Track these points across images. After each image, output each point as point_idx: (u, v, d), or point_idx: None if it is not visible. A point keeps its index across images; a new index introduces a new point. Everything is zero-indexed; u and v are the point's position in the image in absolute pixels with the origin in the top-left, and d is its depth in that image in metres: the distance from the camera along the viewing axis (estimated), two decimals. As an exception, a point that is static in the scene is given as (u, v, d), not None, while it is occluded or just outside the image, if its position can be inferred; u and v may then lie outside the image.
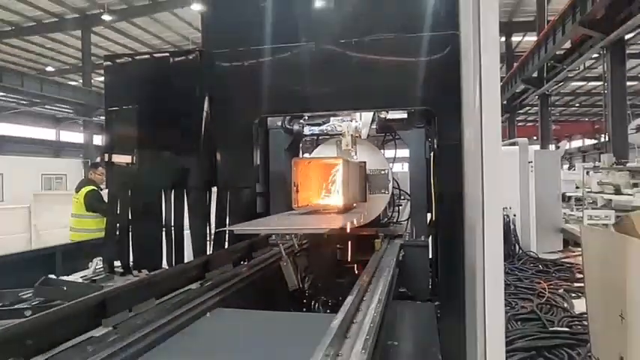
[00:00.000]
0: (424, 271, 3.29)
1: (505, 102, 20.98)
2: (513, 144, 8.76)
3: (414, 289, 3.16)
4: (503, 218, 5.87)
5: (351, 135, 3.54)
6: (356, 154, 3.67)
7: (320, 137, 4.07)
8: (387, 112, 3.70)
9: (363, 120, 3.58)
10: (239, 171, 3.31)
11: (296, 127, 3.77)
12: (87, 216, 5.09)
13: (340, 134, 3.61)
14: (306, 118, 3.74)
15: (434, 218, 3.33)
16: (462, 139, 2.75)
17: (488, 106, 2.65)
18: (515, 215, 8.33)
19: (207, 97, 3.18)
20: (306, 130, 3.77)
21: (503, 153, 2.90)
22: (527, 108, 25.71)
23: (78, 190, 5.35)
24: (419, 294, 3.15)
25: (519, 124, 28.39)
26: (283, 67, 3.08)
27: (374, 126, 3.68)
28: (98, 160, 9.33)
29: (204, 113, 3.18)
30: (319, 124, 3.71)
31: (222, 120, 3.22)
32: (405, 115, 3.72)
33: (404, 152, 3.91)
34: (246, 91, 3.19)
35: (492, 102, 2.64)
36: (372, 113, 3.56)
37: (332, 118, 3.64)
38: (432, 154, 3.35)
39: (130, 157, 3.29)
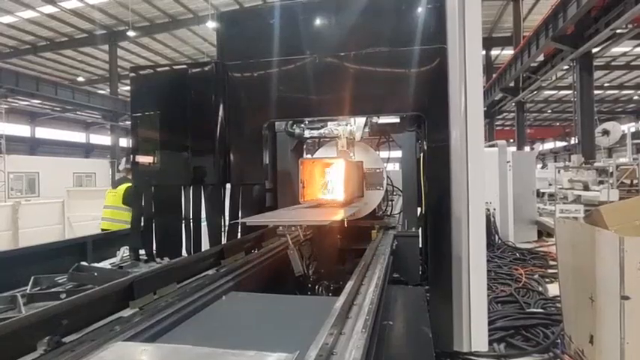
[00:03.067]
0: (415, 258, 3.29)
1: (485, 108, 20.95)
2: (493, 146, 8.73)
3: (406, 274, 3.17)
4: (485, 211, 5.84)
5: (346, 137, 3.53)
6: (354, 154, 3.65)
7: (321, 139, 4.04)
8: (379, 117, 3.68)
9: (356, 124, 3.56)
10: (250, 169, 3.31)
11: (297, 130, 3.76)
12: (122, 208, 5.11)
13: (337, 137, 3.60)
14: (307, 122, 3.72)
15: (423, 211, 3.33)
16: (449, 141, 2.76)
17: (472, 112, 2.74)
18: (495, 209, 8.32)
19: (221, 104, 3.19)
20: (306, 133, 3.75)
21: (485, 153, 2.88)
22: (505, 114, 25.65)
23: (116, 186, 5.39)
24: (410, 279, 3.15)
25: (498, 128, 28.33)
26: (289, 77, 3.09)
27: (367, 129, 3.63)
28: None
29: (219, 118, 3.19)
30: (318, 128, 3.70)
31: (235, 124, 3.23)
32: (398, 120, 3.71)
33: (397, 153, 3.89)
34: (256, 98, 3.20)
35: (476, 108, 2.75)
36: (364, 118, 3.54)
37: (329, 123, 3.63)
38: (421, 154, 3.35)
39: (153, 157, 3.29)
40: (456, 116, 2.74)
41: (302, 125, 3.76)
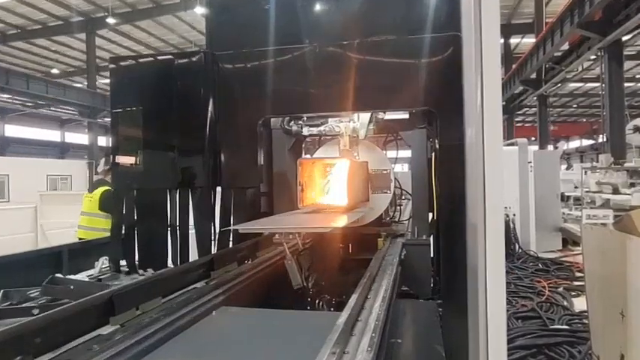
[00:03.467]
0: (426, 269, 3.30)
1: (504, 103, 20.97)
2: (513, 144, 8.73)
3: (417, 287, 3.20)
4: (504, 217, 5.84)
5: (349, 135, 3.56)
6: (358, 154, 3.69)
7: (322, 138, 4.08)
8: (385, 113, 3.70)
9: (360, 121, 3.60)
10: (243, 171, 3.31)
11: (295, 127, 3.77)
12: (99, 215, 5.09)
13: (338, 135, 3.63)
14: (305, 119, 3.74)
15: (435, 217, 3.34)
16: (463, 139, 2.74)
17: (489, 106, 2.54)
18: (514, 215, 8.31)
19: (211, 98, 3.18)
20: (305, 131, 3.77)
21: (504, 153, 2.84)
22: (526, 109, 25.65)
23: (92, 189, 5.37)
24: (421, 292, 3.17)
25: (518, 124, 28.29)
26: (286, 68, 3.08)
27: (372, 126, 3.66)
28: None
29: (209, 114, 3.18)
30: (318, 125, 3.72)
31: (226, 120, 3.22)
32: (407, 116, 3.73)
33: (406, 152, 3.92)
34: (250, 92, 3.20)
35: (494, 102, 2.53)
36: (369, 114, 3.57)
37: (330, 119, 3.65)
38: (433, 154, 3.36)
39: (135, 157, 3.27)
40: (471, 111, 2.70)
41: (300, 122, 3.77)
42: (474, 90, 2.60)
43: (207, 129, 3.17)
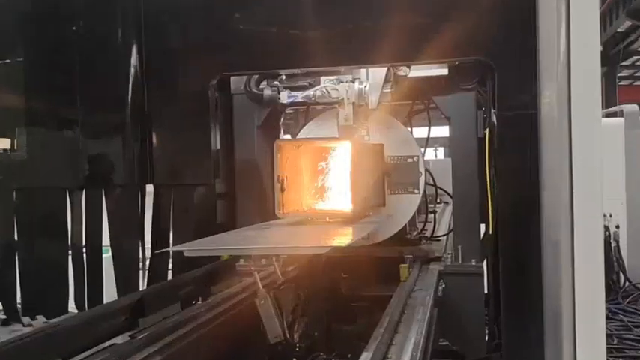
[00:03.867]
0: (477, 314, 3.32)
1: (601, 49, 20.60)
2: (615, 114, 8.69)
3: (463, 342, 3.22)
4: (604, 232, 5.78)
5: (353, 103, 3.52)
6: (368, 132, 3.67)
7: (310, 108, 4.09)
8: (409, 67, 3.64)
9: (370, 80, 3.55)
10: (188, 160, 3.34)
11: (268, 92, 3.75)
12: None
13: (336, 103, 3.61)
14: (284, 77, 3.74)
15: (491, 232, 3.35)
16: (537, 107, 2.74)
17: (578, 55, 2.63)
18: (618, 227, 8.16)
19: (135, 46, 3.19)
20: (284, 97, 3.72)
21: (602, 128, 2.77)
22: (636, 58, 25.14)
23: None
24: (469, 349, 3.20)
25: (623, 83, 27.81)
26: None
27: (389, 89, 3.60)
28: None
29: (132, 71, 3.19)
30: (304, 87, 3.70)
31: (159, 82, 3.25)
32: (445, 72, 3.61)
33: (442, 129, 3.95)
34: (196, 34, 3.22)
35: (585, 48, 2.65)
36: (384, 69, 3.53)
37: (323, 78, 3.64)
38: (487, 131, 3.34)
39: (11, 140, 3.23)
40: (549, 63, 2.71)
41: (276, 82, 3.75)
42: (553, 29, 2.66)
43: (130, 95, 3.18)
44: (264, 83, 3.77)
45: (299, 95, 3.69)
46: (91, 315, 2.70)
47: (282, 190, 3.07)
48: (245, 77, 3.72)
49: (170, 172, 3.28)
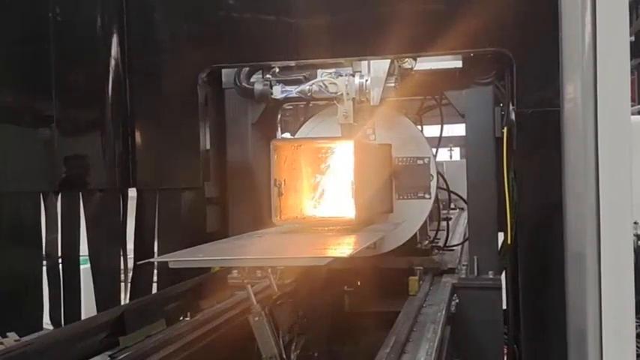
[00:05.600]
0: (495, 332, 3.28)
1: (632, 38, 20.65)
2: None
3: None
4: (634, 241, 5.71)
5: (353, 99, 3.48)
6: (374, 131, 3.69)
7: (310, 104, 4.09)
8: (415, 59, 3.66)
9: (373, 73, 3.49)
10: (175, 162, 3.39)
11: (260, 86, 3.72)
12: None
13: (335, 98, 3.55)
14: (277, 71, 3.73)
15: (511, 241, 3.35)
16: (561, 104, 2.77)
17: (606, 46, 2.60)
18: (651, 236, 8.31)
19: (115, 37, 3.22)
20: (278, 92, 3.70)
21: (631, 126, 2.77)
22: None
23: None
24: None
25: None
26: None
27: (393, 83, 3.56)
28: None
29: (113, 64, 3.23)
30: (300, 81, 3.66)
31: (143, 76, 3.32)
32: (459, 64, 3.63)
33: (456, 128, 3.93)
34: (185, 23, 3.27)
35: (613, 38, 2.66)
36: (388, 62, 3.49)
37: (320, 71, 3.62)
38: (505, 129, 3.34)
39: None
40: (573, 55, 2.70)
41: (269, 76, 3.73)
42: (579, 15, 2.64)
43: (111, 90, 3.24)
44: (256, 77, 3.75)
45: (293, 90, 3.66)
46: (67, 332, 2.73)
47: (279, 194, 3.06)
48: (236, 71, 3.73)
49: (155, 175, 3.31)
